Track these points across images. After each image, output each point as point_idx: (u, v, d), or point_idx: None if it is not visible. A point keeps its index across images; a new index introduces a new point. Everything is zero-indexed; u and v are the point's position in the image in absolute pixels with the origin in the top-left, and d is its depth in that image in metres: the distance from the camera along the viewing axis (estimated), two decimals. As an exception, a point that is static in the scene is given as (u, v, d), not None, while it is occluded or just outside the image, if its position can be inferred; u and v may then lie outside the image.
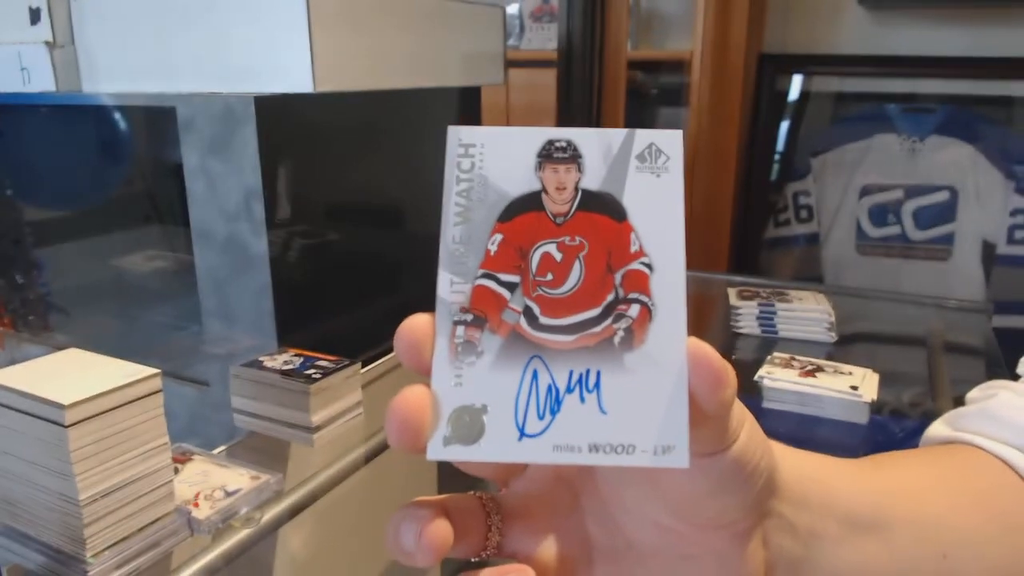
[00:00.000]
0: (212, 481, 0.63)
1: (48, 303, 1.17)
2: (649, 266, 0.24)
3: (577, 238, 0.25)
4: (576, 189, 0.25)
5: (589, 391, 0.24)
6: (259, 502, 0.63)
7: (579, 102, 1.50)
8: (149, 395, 0.55)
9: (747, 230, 2.07)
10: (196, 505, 0.60)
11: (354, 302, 0.96)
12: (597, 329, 0.24)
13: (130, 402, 0.54)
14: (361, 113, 0.93)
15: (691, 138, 1.91)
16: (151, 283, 1.15)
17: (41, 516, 0.54)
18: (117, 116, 1.10)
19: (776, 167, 2.08)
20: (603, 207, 0.25)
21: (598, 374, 0.24)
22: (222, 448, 0.73)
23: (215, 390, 0.88)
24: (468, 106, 1.10)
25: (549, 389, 0.24)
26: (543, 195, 0.25)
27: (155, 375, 0.56)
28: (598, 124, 1.53)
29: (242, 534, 0.62)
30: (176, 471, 0.61)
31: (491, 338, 0.24)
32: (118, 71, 0.78)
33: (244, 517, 0.62)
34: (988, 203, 1.88)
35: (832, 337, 1.14)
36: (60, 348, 0.60)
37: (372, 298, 0.99)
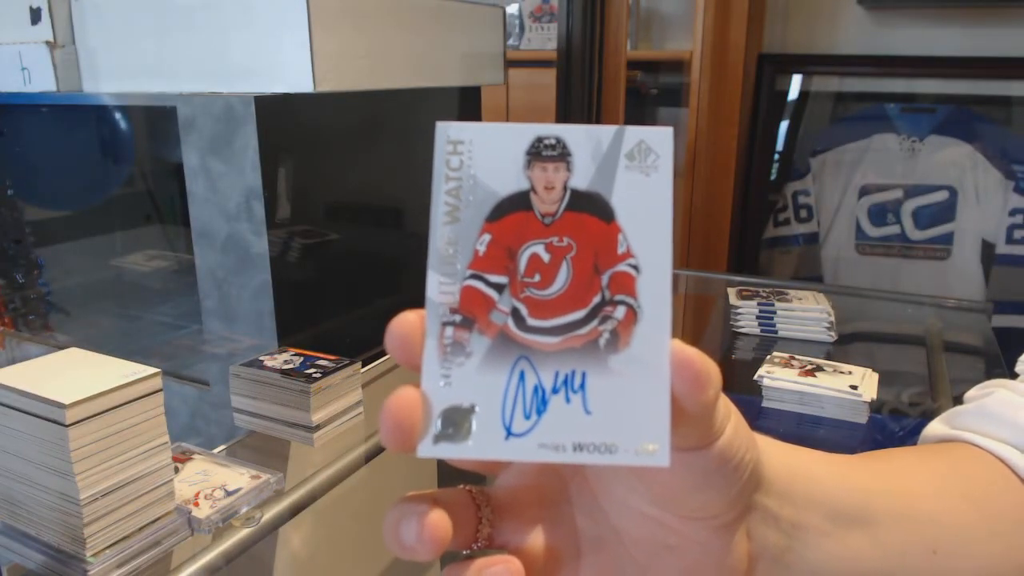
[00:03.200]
0: (212, 480, 0.63)
1: (48, 302, 1.17)
2: (636, 267, 0.24)
3: (565, 239, 0.25)
4: (565, 188, 0.25)
5: (574, 392, 0.24)
6: (259, 501, 0.63)
7: (579, 102, 1.50)
8: (149, 394, 0.56)
9: (747, 230, 2.07)
10: (196, 504, 0.60)
11: (354, 302, 0.96)
12: (583, 331, 0.24)
13: (130, 401, 0.54)
14: (361, 113, 0.93)
15: (691, 138, 1.91)
16: (151, 283, 1.15)
17: (41, 515, 0.54)
18: (118, 116, 1.10)
19: (776, 167, 2.08)
20: (591, 207, 0.25)
21: (583, 375, 0.24)
22: (222, 447, 0.73)
23: (215, 389, 0.88)
24: (468, 106, 1.11)
25: (535, 389, 0.24)
26: (532, 194, 0.25)
27: (155, 374, 0.56)
28: (598, 124, 1.53)
29: (242, 533, 0.62)
30: (176, 470, 0.61)
31: (479, 339, 0.24)
32: (119, 71, 0.78)
33: (244, 516, 0.62)
34: (987, 203, 1.88)
35: (831, 336, 1.14)
36: (60, 347, 0.60)
37: (372, 298, 0.99)
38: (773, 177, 2.08)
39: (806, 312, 1.16)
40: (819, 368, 0.95)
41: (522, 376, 0.24)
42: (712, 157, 1.91)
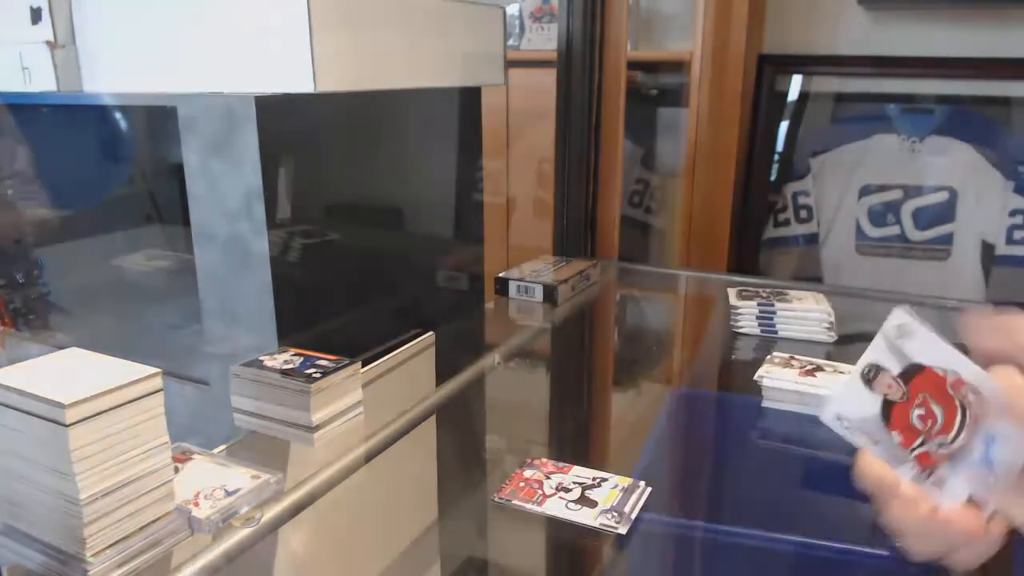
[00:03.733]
0: (212, 480, 0.63)
1: (48, 302, 1.17)
2: (957, 374, 0.41)
3: (921, 395, 0.42)
4: (895, 380, 0.43)
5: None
6: (259, 501, 0.63)
7: (579, 102, 1.50)
8: (149, 394, 0.55)
9: (747, 230, 2.07)
10: (196, 504, 0.60)
11: (354, 302, 0.96)
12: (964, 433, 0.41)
13: (130, 401, 0.54)
14: (361, 113, 0.93)
15: (691, 138, 1.91)
16: (152, 283, 1.15)
17: (41, 515, 0.54)
18: (118, 116, 1.10)
19: (775, 167, 2.08)
20: (913, 372, 0.42)
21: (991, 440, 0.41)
22: (222, 447, 0.73)
23: (215, 389, 0.88)
24: (468, 106, 1.11)
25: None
26: (887, 398, 0.44)
27: (155, 374, 0.56)
28: (598, 124, 1.53)
29: (242, 533, 0.62)
30: (176, 470, 0.61)
31: (935, 473, 0.43)
32: (119, 71, 0.78)
33: (244, 516, 0.62)
34: (987, 203, 1.88)
35: (831, 337, 1.14)
36: (60, 347, 0.60)
37: (372, 298, 0.99)
38: (773, 177, 2.08)
39: (806, 312, 1.16)
40: (819, 368, 0.95)
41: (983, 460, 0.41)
42: (712, 157, 1.91)
